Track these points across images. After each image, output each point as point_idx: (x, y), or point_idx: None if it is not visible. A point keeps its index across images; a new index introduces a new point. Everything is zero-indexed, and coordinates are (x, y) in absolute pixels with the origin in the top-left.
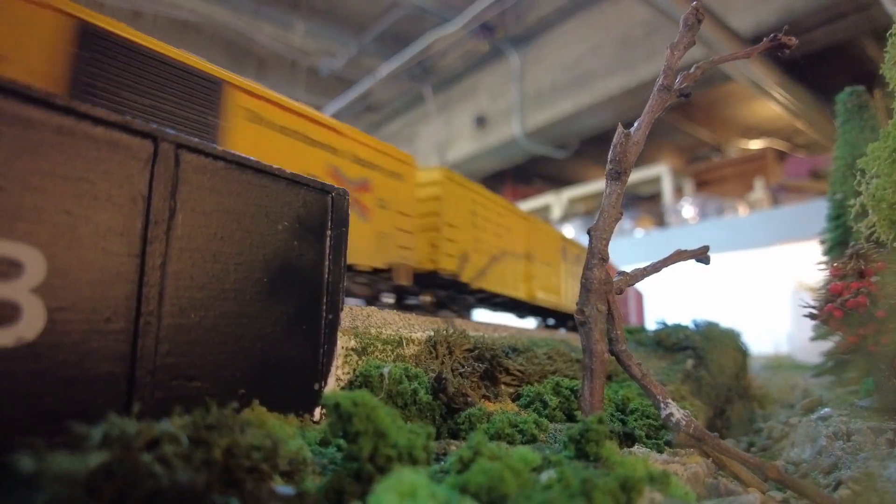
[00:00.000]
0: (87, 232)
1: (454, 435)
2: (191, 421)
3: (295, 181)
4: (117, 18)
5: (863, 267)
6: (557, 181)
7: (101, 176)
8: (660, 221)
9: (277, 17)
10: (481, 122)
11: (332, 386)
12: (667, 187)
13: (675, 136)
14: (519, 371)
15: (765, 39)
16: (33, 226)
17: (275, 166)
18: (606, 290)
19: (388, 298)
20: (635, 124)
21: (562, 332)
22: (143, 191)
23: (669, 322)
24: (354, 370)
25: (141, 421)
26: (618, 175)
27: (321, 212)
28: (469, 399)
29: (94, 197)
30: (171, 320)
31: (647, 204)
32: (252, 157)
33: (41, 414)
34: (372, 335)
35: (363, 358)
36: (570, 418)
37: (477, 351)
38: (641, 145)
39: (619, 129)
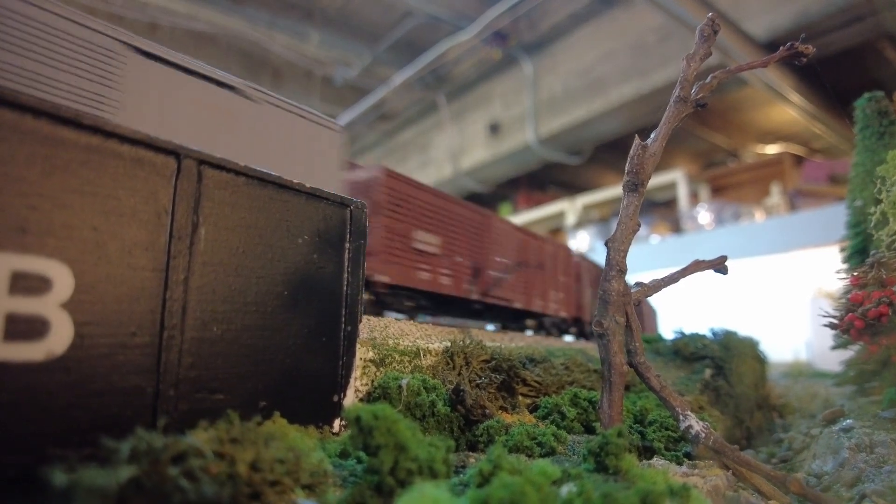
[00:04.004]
0: (113, 247)
1: (472, 447)
2: (215, 435)
3: (314, 195)
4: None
5: (884, 276)
6: (572, 188)
7: (126, 192)
8: (675, 227)
9: (292, 27)
10: (495, 129)
11: (350, 398)
12: (682, 193)
13: (690, 142)
14: (536, 382)
15: (781, 48)
16: (62, 242)
17: (295, 181)
18: (625, 301)
19: None
20: (652, 135)
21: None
22: (167, 206)
23: (687, 331)
24: (373, 382)
25: (166, 434)
26: (635, 187)
27: (340, 225)
28: (487, 411)
29: (119, 213)
30: (194, 334)
31: (663, 210)
32: (272, 173)
33: (71, 426)
34: (390, 346)
35: (381, 369)
36: (589, 430)
37: (494, 362)
38: (659, 157)
39: (637, 140)
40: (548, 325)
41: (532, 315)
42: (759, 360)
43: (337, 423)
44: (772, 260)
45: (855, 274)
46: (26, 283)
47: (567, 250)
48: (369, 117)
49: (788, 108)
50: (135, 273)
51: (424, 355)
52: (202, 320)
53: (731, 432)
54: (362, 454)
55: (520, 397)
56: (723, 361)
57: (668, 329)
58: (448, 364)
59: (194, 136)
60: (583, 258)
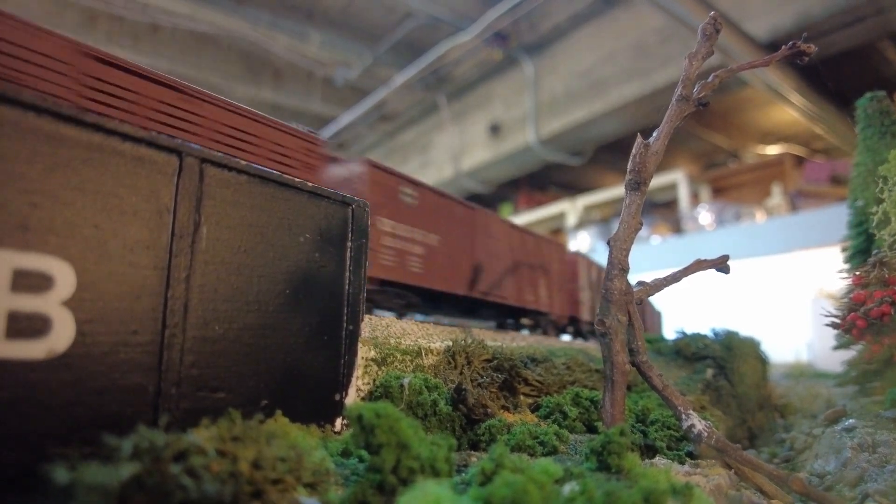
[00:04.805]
0: (114, 245)
1: (474, 446)
2: (217, 433)
3: (316, 194)
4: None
5: (887, 275)
6: (573, 188)
7: (128, 190)
8: (676, 228)
9: (293, 28)
10: (496, 130)
11: (352, 397)
12: (683, 194)
13: (691, 143)
14: (538, 381)
15: (783, 47)
16: (64, 240)
17: (297, 179)
18: (627, 300)
19: None
20: (654, 134)
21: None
22: (169, 204)
23: (688, 331)
24: (374, 381)
25: (168, 432)
26: (637, 185)
27: (342, 223)
28: (489, 410)
29: (121, 211)
30: (196, 332)
31: (664, 210)
32: (274, 171)
33: (72, 424)
34: (391, 345)
35: (383, 368)
36: (591, 429)
37: (495, 361)
38: (661, 156)
39: (639, 139)
40: None
41: None
42: (761, 360)
43: (339, 421)
44: (773, 261)
45: (857, 273)
46: (28, 281)
47: (371, 170)
48: (370, 118)
49: (789, 108)
50: (136, 271)
51: (426, 354)
52: (204, 319)
53: (732, 432)
54: (364, 453)
55: (521, 397)
56: (724, 361)
57: (670, 329)
58: (449, 363)
59: None
60: (441, 196)
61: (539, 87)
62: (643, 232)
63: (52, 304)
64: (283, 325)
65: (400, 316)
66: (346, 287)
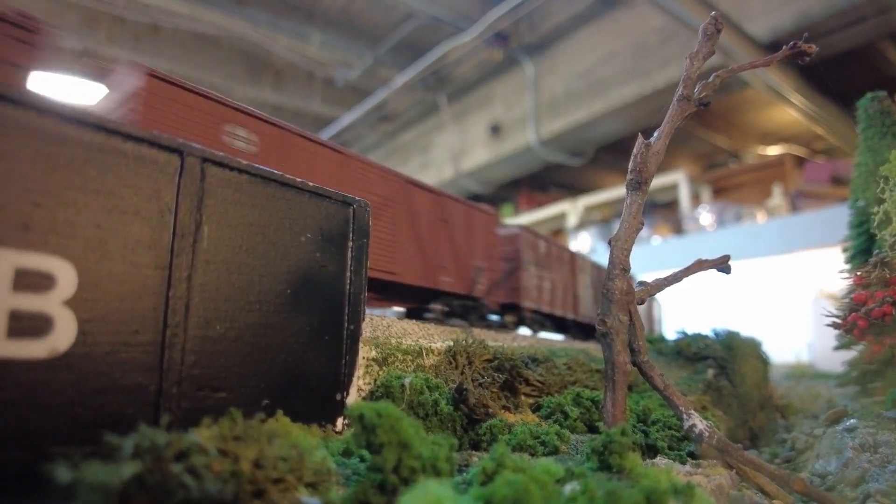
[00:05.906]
0: (116, 245)
1: (475, 446)
2: (218, 432)
3: (317, 193)
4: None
5: (888, 275)
6: (573, 189)
7: (129, 190)
8: (677, 229)
9: (294, 28)
10: (496, 130)
11: (353, 396)
12: (684, 194)
13: (691, 143)
14: (539, 382)
15: (784, 47)
16: (66, 240)
17: (298, 179)
18: (628, 300)
19: None
20: (655, 134)
21: None
22: (170, 204)
23: (689, 331)
24: (376, 380)
25: (169, 432)
26: (638, 185)
27: (343, 223)
28: (490, 410)
29: (122, 211)
30: (197, 332)
31: (664, 211)
32: (276, 171)
33: (73, 423)
34: (392, 345)
35: (384, 368)
36: (592, 429)
37: (496, 361)
38: (662, 155)
39: (640, 139)
40: None
41: None
42: (762, 360)
43: (340, 421)
44: (773, 261)
45: (858, 273)
46: (30, 280)
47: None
48: (371, 119)
49: (790, 108)
50: (138, 270)
51: (427, 354)
52: (205, 318)
53: (734, 432)
54: (365, 452)
55: (522, 397)
56: (725, 362)
57: (671, 329)
58: (450, 363)
59: None
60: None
61: (539, 88)
62: (644, 232)
63: (54, 304)
64: (284, 325)
65: None
66: (348, 287)
